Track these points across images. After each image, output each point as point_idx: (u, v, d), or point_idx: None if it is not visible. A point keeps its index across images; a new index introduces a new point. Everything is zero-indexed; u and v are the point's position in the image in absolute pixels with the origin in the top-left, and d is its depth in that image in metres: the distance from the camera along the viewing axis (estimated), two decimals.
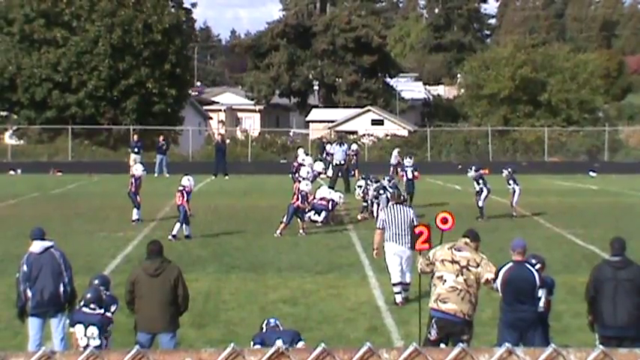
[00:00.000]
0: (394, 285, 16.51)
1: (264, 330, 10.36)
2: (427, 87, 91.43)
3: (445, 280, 11.74)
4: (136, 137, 48.64)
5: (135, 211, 26.95)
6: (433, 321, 11.77)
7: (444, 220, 14.93)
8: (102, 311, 11.48)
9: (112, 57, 56.32)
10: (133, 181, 26.87)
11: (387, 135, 60.51)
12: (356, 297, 17.18)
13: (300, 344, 9.97)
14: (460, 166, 50.32)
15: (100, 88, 56.43)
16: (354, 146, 39.76)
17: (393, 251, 16.51)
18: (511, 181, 28.87)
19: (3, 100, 57.53)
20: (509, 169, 29.74)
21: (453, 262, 11.82)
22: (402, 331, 14.58)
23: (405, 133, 62.99)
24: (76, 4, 57.24)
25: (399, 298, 16.39)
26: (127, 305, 12.07)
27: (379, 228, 16.76)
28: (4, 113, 58.84)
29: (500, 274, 11.77)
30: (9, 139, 58.99)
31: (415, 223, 15.93)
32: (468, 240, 12.12)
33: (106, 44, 56.17)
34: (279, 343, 10.26)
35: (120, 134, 56.27)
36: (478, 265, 11.81)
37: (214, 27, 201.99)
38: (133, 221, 26.69)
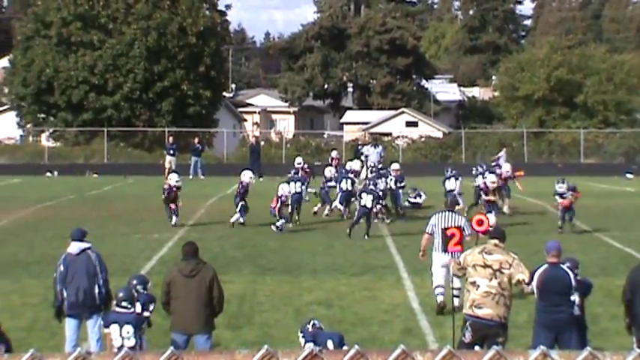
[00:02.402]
0: (436, 287, 15.96)
1: (309, 329, 10.42)
2: (462, 88, 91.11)
3: (479, 286, 11.65)
4: (171, 139, 48.87)
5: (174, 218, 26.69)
6: (468, 324, 11.71)
7: (480, 222, 14.90)
8: (136, 309, 11.55)
9: (147, 59, 56.66)
10: (167, 187, 26.66)
11: (421, 137, 60.33)
12: (391, 299, 17.14)
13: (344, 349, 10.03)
14: None
15: (135, 90, 56.78)
16: (334, 153, 39.21)
17: (440, 262, 15.78)
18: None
19: (40, 103, 58.03)
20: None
21: (485, 266, 11.72)
22: (437, 334, 14.54)
23: (440, 134, 62.80)
24: (112, 7, 57.66)
25: (440, 298, 15.80)
26: (163, 306, 12.13)
27: (428, 233, 16.05)
28: (41, 115, 59.34)
29: (536, 276, 11.70)
30: (46, 141, 59.48)
31: (467, 233, 15.66)
32: (497, 241, 12.01)
33: (142, 47, 56.50)
34: (329, 343, 10.26)
35: (155, 136, 56.57)
36: (510, 266, 11.74)
37: (249, 29, 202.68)
38: (173, 225, 26.46)
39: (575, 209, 25.65)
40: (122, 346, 11.05)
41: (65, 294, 12.77)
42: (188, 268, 11.94)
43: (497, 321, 11.58)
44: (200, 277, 11.90)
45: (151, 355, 3.02)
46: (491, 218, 25.36)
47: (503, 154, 42.62)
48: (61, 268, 12.86)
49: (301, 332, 10.51)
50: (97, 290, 12.76)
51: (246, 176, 26.57)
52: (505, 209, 28.76)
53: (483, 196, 25.83)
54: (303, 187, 27.98)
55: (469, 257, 11.98)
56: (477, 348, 11.44)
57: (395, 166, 29.50)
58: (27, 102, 58.21)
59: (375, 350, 3.09)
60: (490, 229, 14.70)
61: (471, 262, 11.84)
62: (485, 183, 26.15)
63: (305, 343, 10.18)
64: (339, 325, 14.37)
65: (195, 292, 11.82)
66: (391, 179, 28.35)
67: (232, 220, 26.47)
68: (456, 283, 15.68)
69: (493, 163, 35.42)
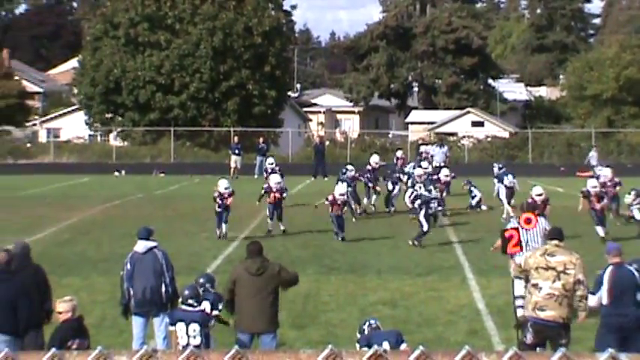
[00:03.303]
0: (516, 298, 14.64)
1: (365, 331, 10.37)
2: (529, 88, 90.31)
3: (541, 288, 11.51)
4: (236, 139, 49.19)
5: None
6: (529, 325, 11.60)
7: (528, 221, 14.77)
8: (201, 307, 11.60)
9: (213, 59, 57.09)
10: (217, 195, 24.37)
11: (487, 137, 59.93)
12: (456, 299, 17.06)
13: (403, 346, 9.94)
14: (563, 169, 49.56)
15: (201, 90, 57.25)
16: (399, 152, 38.28)
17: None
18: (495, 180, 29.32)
19: (108, 103, 58.80)
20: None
21: (548, 268, 11.56)
22: (502, 335, 14.42)
23: (506, 134, 62.30)
24: (179, 7, 58.21)
25: (520, 312, 14.30)
26: (227, 304, 12.17)
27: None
28: (109, 115, 60.13)
29: (605, 278, 11.55)
30: (114, 141, 60.26)
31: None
32: (557, 242, 11.85)
33: (208, 47, 56.96)
34: (385, 345, 10.18)
35: (221, 136, 56.98)
36: (575, 266, 11.59)
37: (314, 29, 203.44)
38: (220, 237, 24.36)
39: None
40: (188, 344, 11.11)
41: (132, 292, 12.92)
42: (255, 266, 11.99)
43: (559, 322, 11.46)
44: (267, 275, 11.95)
45: (216, 354, 3.04)
46: (600, 231, 24.10)
47: (593, 154, 41.54)
48: (128, 266, 13.02)
49: (359, 333, 10.45)
50: (163, 288, 12.88)
51: (272, 181, 25.62)
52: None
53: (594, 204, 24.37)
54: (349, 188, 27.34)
55: (530, 260, 11.81)
56: (538, 350, 11.34)
57: (418, 171, 27.52)
58: (95, 102, 59.04)
59: (440, 351, 3.08)
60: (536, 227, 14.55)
61: (533, 264, 11.67)
62: (588, 190, 24.37)
63: (360, 347, 10.10)
64: (404, 326, 14.33)
65: (261, 291, 11.86)
66: (419, 186, 25.87)
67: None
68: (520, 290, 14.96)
69: (595, 163, 34.34)
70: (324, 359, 3.04)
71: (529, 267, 11.72)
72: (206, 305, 11.91)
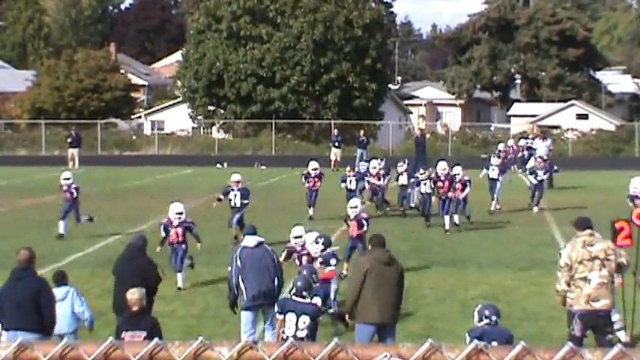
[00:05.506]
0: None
1: (483, 321, 10.23)
2: (636, 80, 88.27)
3: (590, 280, 11.63)
4: (336, 131, 49.29)
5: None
6: (576, 317, 11.67)
7: None
8: (314, 301, 11.46)
9: (314, 52, 57.29)
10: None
11: (592, 130, 58.78)
12: None
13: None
14: None
15: (302, 82, 57.51)
16: (501, 145, 37.30)
17: None
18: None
19: (211, 95, 59.54)
20: None
21: (592, 259, 11.69)
22: None
23: (612, 127, 60.99)
24: (280, 0, 58.57)
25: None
26: (354, 295, 11.98)
27: None
28: (211, 108, 60.87)
29: None
30: (216, 133, 60.98)
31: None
32: (590, 231, 11.96)
33: (309, 40, 57.18)
34: (494, 344, 10.14)
35: (321, 128, 57.18)
36: (614, 252, 11.81)
37: (415, 21, 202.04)
38: None
39: None
40: (295, 335, 10.85)
41: (243, 287, 12.84)
42: (386, 256, 12.00)
43: (609, 310, 11.67)
44: (396, 265, 12.01)
45: (316, 347, 3.04)
46: None
47: None
48: (238, 261, 12.92)
49: (477, 315, 10.30)
50: (276, 283, 12.88)
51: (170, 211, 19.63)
52: None
53: None
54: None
55: (573, 254, 11.83)
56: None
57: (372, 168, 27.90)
58: (198, 95, 59.84)
59: (542, 347, 3.02)
60: None
61: (577, 258, 11.76)
62: None
63: (470, 339, 10.01)
64: (506, 321, 14.16)
65: (390, 281, 11.85)
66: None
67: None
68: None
69: None
70: (423, 353, 3.01)
71: (572, 261, 11.79)
72: (317, 300, 11.85)
